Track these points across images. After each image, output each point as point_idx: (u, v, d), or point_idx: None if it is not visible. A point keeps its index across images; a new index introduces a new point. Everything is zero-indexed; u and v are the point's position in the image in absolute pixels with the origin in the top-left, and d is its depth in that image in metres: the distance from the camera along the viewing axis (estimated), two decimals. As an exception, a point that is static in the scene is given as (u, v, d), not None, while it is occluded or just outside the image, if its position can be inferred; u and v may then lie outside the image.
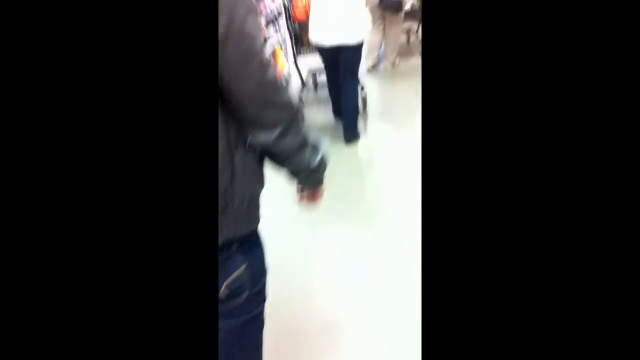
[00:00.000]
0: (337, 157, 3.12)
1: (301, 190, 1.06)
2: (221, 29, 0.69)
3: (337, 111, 3.57)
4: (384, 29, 4.61)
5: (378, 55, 4.84)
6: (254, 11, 0.72)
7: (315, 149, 0.91)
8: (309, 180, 0.97)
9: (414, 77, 4.55)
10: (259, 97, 0.75)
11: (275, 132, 0.80)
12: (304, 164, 0.90)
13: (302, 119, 0.85)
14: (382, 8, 4.35)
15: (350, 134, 3.32)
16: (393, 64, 4.85)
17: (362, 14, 2.98)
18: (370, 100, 3.92)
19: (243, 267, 0.88)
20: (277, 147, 0.82)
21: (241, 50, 0.70)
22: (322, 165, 0.94)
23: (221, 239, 0.81)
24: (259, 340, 0.98)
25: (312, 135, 0.91)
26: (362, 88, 3.66)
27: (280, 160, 0.88)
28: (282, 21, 3.82)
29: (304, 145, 0.88)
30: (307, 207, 1.10)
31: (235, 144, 0.79)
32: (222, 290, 0.86)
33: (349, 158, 3.14)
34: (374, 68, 4.88)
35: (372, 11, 4.49)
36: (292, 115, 0.81)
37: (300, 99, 4.16)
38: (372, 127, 3.58)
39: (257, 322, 0.95)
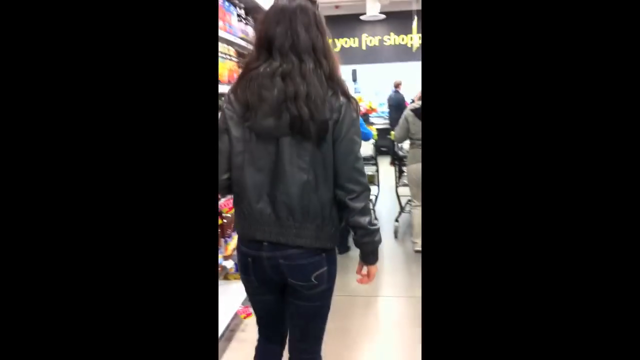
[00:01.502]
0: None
1: (360, 269, 1.37)
2: (341, 131, 1.19)
3: None
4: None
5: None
6: (359, 127, 1.24)
7: (375, 224, 1.28)
8: (369, 248, 1.30)
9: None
10: (351, 175, 1.21)
11: (352, 195, 1.22)
12: (368, 227, 1.25)
13: (369, 197, 1.27)
14: None
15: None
16: None
17: None
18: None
19: (325, 268, 1.27)
20: (352, 204, 1.22)
21: (347, 148, 1.20)
22: (378, 237, 1.29)
23: (318, 245, 1.24)
24: (323, 322, 1.39)
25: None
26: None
27: (352, 215, 1.24)
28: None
29: (369, 210, 1.25)
30: (364, 283, 1.40)
31: (332, 196, 1.24)
32: (313, 278, 1.26)
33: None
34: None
35: (416, 184, 3.44)
36: (364, 187, 1.23)
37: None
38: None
39: (324, 309, 1.37)
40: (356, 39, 10.62)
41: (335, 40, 10.47)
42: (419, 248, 3.60)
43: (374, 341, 2.43)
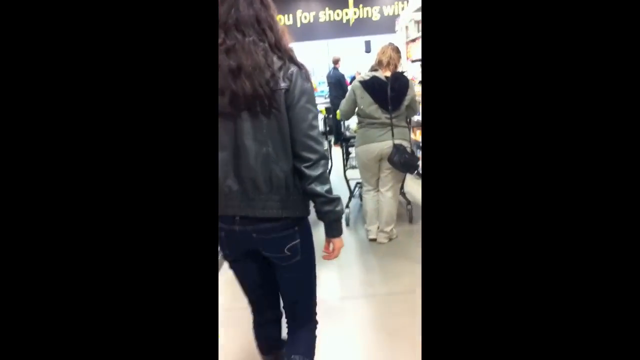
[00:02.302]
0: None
1: (327, 246, 1.37)
2: (293, 99, 1.18)
3: None
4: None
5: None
6: (313, 95, 1.22)
7: (334, 196, 1.27)
8: (331, 217, 1.28)
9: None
10: (305, 143, 1.21)
11: (308, 163, 1.22)
12: (327, 195, 1.24)
13: (326, 166, 1.26)
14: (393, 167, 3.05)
15: None
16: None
17: None
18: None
19: (297, 241, 1.29)
20: (307, 172, 1.22)
21: (300, 116, 1.20)
22: (340, 207, 1.28)
23: (285, 214, 1.24)
24: (309, 292, 1.43)
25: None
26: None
27: (309, 183, 1.23)
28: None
29: (327, 178, 1.25)
30: (330, 259, 1.38)
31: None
32: (285, 250, 1.28)
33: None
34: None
35: (367, 167, 3.17)
36: (320, 155, 1.22)
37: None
38: None
39: (305, 279, 1.39)
40: (291, 16, 10.18)
41: (268, 17, 9.97)
42: (374, 236, 3.32)
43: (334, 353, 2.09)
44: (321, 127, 4.07)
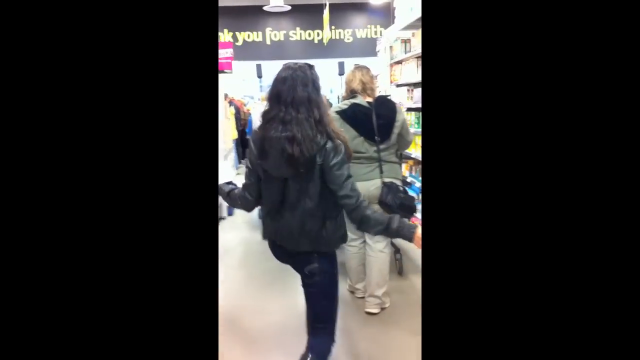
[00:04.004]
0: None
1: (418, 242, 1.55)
2: (329, 164, 1.52)
3: None
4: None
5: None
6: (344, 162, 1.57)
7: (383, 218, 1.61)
8: (402, 229, 1.54)
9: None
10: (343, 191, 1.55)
11: (350, 207, 1.57)
12: (379, 218, 1.57)
13: (365, 203, 1.58)
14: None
15: None
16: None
17: None
18: None
19: (315, 265, 1.62)
20: (350, 215, 1.58)
21: (337, 173, 1.53)
22: (396, 218, 1.56)
23: (305, 248, 1.61)
24: (328, 306, 1.71)
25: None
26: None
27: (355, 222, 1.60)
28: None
29: (364, 212, 1.56)
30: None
31: (326, 206, 1.58)
32: (306, 270, 1.63)
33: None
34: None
35: None
36: (357, 195, 1.57)
37: None
38: None
39: (323, 294, 1.68)
40: (260, 33, 9.71)
41: (237, 33, 9.50)
42: (362, 295, 2.69)
43: None
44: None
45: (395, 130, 2.48)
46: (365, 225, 1.55)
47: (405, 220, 1.56)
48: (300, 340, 1.83)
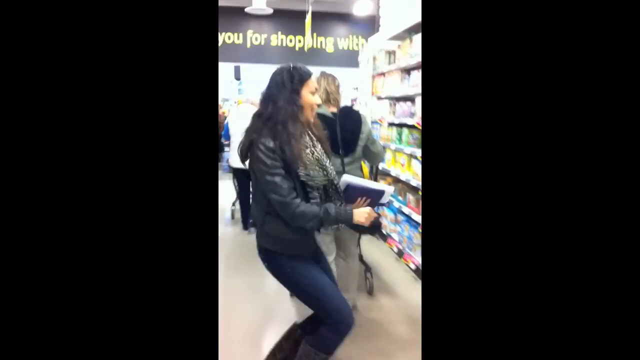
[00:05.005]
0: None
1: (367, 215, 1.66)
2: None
3: None
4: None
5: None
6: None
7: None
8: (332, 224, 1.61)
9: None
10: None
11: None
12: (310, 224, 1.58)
13: (286, 212, 1.58)
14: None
15: None
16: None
17: None
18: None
19: (266, 263, 1.70)
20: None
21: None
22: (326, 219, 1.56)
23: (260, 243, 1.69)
24: (309, 302, 1.69)
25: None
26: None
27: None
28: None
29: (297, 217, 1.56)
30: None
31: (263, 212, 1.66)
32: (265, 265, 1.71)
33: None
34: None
35: None
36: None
37: None
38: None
39: (297, 294, 1.72)
40: (240, 35, 9.49)
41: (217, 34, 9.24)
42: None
43: None
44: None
45: (361, 143, 2.35)
46: (300, 220, 1.53)
47: (341, 207, 1.59)
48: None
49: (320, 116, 2.23)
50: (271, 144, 1.48)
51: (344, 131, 2.29)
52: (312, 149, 1.61)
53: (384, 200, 1.77)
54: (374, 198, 1.73)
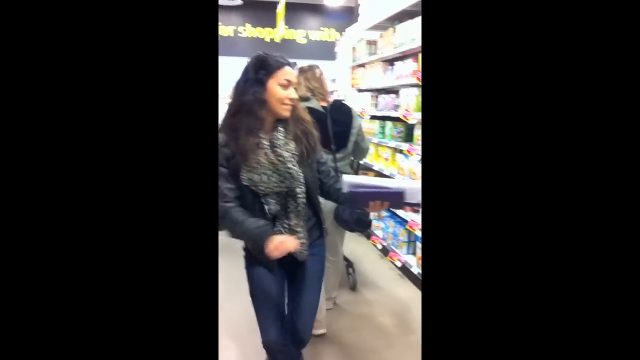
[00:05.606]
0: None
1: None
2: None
3: None
4: None
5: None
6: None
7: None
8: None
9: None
10: None
11: None
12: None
13: None
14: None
15: None
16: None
17: None
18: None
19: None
20: None
21: None
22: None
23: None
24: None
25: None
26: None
27: None
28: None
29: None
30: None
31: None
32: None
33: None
34: None
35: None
36: None
37: None
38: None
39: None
40: (208, 27, 9.16)
41: (183, 25, 8.91)
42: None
43: None
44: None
45: (352, 138, 2.24)
46: (228, 229, 1.47)
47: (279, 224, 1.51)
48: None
49: (311, 110, 2.09)
50: (222, 139, 1.39)
51: (336, 126, 2.17)
52: (271, 149, 1.41)
53: (411, 199, 1.46)
54: (391, 199, 1.48)
